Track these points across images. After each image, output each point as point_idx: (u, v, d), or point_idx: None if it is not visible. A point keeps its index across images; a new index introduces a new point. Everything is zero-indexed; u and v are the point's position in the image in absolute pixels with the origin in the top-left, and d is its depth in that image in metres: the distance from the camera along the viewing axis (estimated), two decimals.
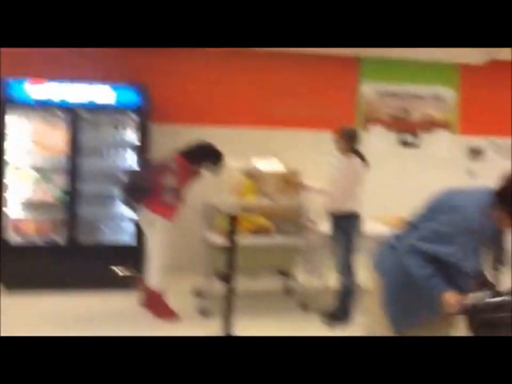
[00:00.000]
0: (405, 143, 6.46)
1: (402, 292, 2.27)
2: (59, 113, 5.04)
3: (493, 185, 2.09)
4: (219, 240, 4.33)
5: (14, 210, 5.09)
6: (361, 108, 6.35)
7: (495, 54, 5.89)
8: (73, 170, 5.03)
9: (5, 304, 4.39)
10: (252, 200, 4.69)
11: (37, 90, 4.94)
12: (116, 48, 5.60)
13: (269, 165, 4.94)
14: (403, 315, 2.29)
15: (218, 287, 4.28)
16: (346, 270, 4.20)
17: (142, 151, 5.12)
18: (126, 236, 5.21)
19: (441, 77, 6.51)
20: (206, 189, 4.89)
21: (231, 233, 4.07)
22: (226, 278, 3.95)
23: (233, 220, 4.12)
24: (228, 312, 3.84)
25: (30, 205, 5.19)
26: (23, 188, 5.14)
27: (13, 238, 5.03)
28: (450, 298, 2.07)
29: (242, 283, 4.31)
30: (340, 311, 4.24)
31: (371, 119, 6.38)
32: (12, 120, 4.99)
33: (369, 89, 6.37)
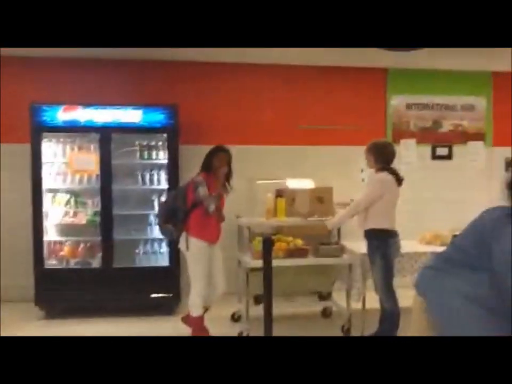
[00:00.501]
0: (438, 156, 6.34)
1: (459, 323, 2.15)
2: (90, 136, 5.09)
3: None
4: (254, 262, 4.27)
5: (49, 234, 5.14)
6: (391, 120, 6.26)
7: None
8: (105, 193, 5.06)
9: (41, 332, 4.42)
10: (286, 220, 4.64)
11: (69, 115, 5.00)
12: (143, 68, 5.67)
13: (301, 183, 4.90)
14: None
15: (255, 310, 4.22)
16: (385, 291, 4.08)
17: (172, 172, 5.13)
18: (161, 259, 5.21)
19: (472, 87, 6.38)
20: (239, 210, 4.87)
21: (266, 255, 4.02)
22: (263, 301, 3.90)
23: (267, 241, 4.08)
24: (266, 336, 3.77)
25: (65, 228, 5.24)
26: (57, 212, 5.19)
27: (49, 261, 5.07)
28: None
29: (279, 306, 4.24)
30: (382, 334, 4.12)
31: (402, 132, 6.28)
32: (44, 144, 5.05)
33: (398, 102, 6.28)
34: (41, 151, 4.98)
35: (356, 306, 4.42)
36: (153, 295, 5.05)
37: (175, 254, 5.04)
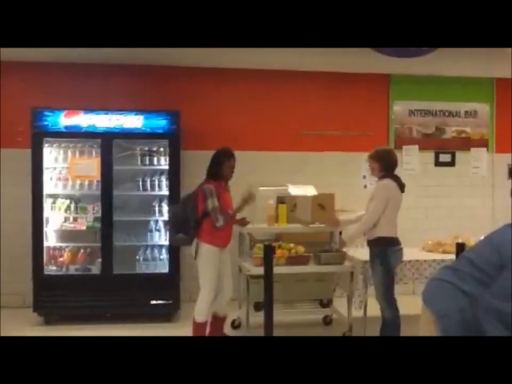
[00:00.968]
0: (441, 163, 6.30)
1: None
2: (92, 141, 5.08)
3: None
4: (255, 269, 4.23)
5: (49, 239, 5.12)
6: (393, 127, 6.23)
7: None
8: (106, 198, 5.02)
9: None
10: (287, 226, 4.60)
11: (70, 120, 4.99)
12: (147, 74, 5.67)
13: (302, 190, 4.86)
14: None
15: (255, 317, 4.18)
16: (386, 299, 4.04)
17: (173, 177, 5.10)
18: (161, 266, 5.17)
19: (475, 93, 6.35)
20: (240, 216, 4.83)
21: (267, 262, 3.98)
22: (263, 308, 3.86)
23: (269, 249, 4.04)
24: None
25: (64, 234, 5.21)
26: (57, 217, 5.16)
27: (48, 267, 5.04)
28: None
29: (280, 313, 4.20)
30: None
31: (404, 138, 6.25)
32: (45, 149, 5.03)
33: (401, 108, 6.25)
34: (42, 156, 4.97)
35: (357, 314, 4.38)
36: (152, 302, 5.01)
37: (175, 260, 5.01)
